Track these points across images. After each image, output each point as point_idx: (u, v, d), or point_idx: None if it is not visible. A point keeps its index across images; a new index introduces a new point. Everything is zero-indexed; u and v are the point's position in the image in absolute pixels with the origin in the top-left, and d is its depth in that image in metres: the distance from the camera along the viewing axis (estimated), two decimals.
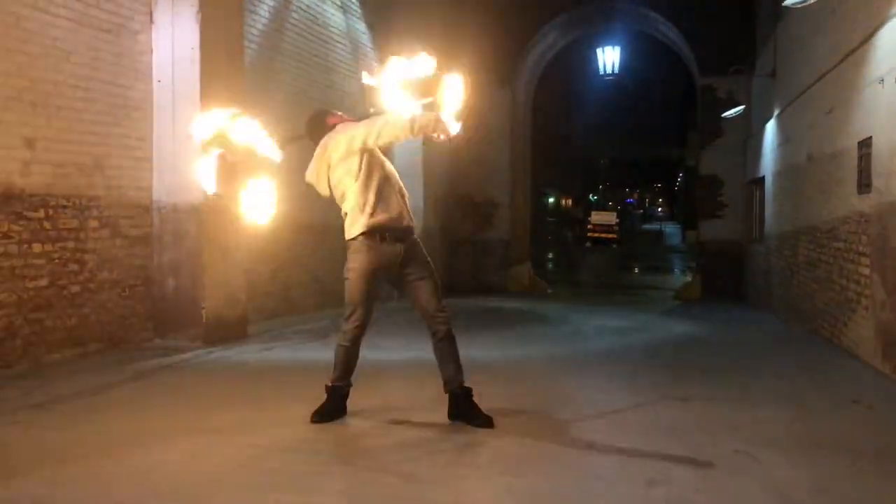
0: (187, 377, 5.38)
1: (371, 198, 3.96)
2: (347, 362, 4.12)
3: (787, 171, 9.56)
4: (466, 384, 4.09)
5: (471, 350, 6.76)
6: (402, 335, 7.60)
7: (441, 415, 4.08)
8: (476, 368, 5.76)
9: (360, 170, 3.97)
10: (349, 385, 4.17)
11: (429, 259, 4.16)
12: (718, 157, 13.09)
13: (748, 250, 12.57)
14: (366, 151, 3.97)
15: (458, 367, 4.09)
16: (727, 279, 12.81)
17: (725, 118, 12.22)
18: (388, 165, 4.10)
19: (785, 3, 6.56)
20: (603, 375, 5.70)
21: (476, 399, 4.08)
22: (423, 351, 6.51)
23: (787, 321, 9.15)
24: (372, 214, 3.95)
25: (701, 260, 13.55)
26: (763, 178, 11.31)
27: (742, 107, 11.68)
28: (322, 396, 4.12)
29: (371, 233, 3.95)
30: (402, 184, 4.15)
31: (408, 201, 4.14)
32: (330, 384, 4.13)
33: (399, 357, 6.27)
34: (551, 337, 7.91)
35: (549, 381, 5.39)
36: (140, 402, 4.58)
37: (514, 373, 5.77)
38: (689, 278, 17.46)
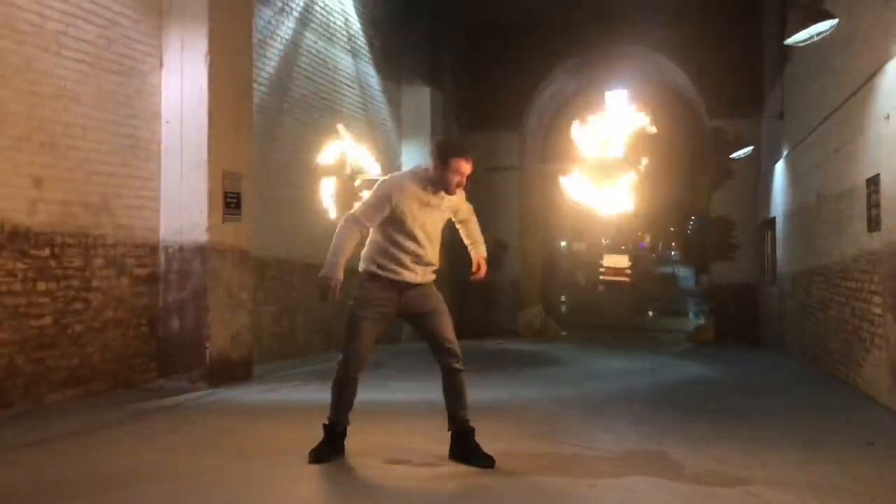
0: (185, 418, 5.30)
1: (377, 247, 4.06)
2: (341, 399, 4.01)
3: (797, 211, 9.48)
4: (471, 424, 3.99)
5: (478, 390, 6.64)
6: (410, 376, 7.51)
7: (443, 455, 3.97)
8: (482, 408, 5.66)
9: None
10: (345, 424, 4.06)
11: (439, 294, 4.11)
12: (729, 199, 13.04)
13: (761, 292, 12.41)
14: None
15: (464, 405, 4.00)
16: (740, 321, 12.63)
17: (735, 160, 12.20)
18: (420, 217, 4.05)
19: (787, 42, 6.57)
20: (611, 416, 5.57)
21: (479, 439, 3.98)
22: (429, 392, 6.44)
23: (801, 362, 8.97)
24: (380, 266, 4.01)
25: (713, 302, 13.40)
26: (774, 218, 11.23)
27: (751, 147, 11.67)
28: (321, 435, 4.04)
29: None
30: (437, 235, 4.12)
31: (434, 257, 4.08)
32: (326, 422, 4.05)
33: (405, 398, 6.17)
34: (560, 378, 7.79)
35: (554, 422, 5.27)
36: (135, 442, 4.50)
37: (520, 413, 5.65)
38: (702, 321, 17.28)
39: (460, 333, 12.08)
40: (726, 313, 12.89)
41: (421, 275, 3.98)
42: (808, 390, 7.08)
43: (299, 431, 4.48)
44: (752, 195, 12.72)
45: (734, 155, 11.81)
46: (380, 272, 3.93)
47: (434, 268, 4.07)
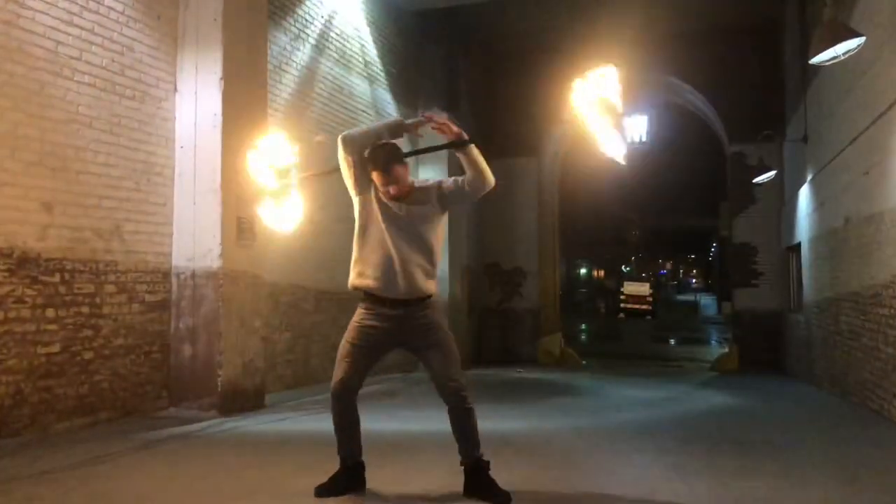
0: (194, 448, 5.15)
1: (357, 254, 3.77)
2: (339, 428, 3.78)
3: (823, 236, 9.23)
4: (486, 458, 3.78)
5: (495, 421, 6.46)
6: (423, 406, 7.30)
7: (458, 490, 3.78)
8: (499, 441, 5.46)
9: (356, 217, 3.80)
10: (353, 456, 3.84)
11: (443, 326, 3.80)
12: (751, 225, 12.80)
13: (786, 319, 12.10)
14: (355, 193, 3.81)
15: (473, 442, 3.76)
16: (765, 349, 12.32)
17: (757, 185, 11.99)
18: (386, 220, 3.71)
19: (812, 61, 6.41)
20: (632, 449, 5.33)
21: (495, 473, 3.77)
22: (444, 423, 6.26)
23: (830, 392, 8.65)
24: (359, 274, 3.74)
25: (737, 330, 13.09)
26: (799, 244, 10.97)
27: (773, 172, 11.46)
28: (333, 468, 3.85)
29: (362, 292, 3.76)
30: (432, 242, 3.76)
31: (427, 261, 3.72)
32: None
33: (419, 428, 5.97)
34: (580, 408, 7.54)
35: (574, 455, 5.05)
36: (141, 473, 4.35)
37: (538, 446, 5.43)
38: (725, 350, 16.90)
39: (479, 361, 11.95)
40: (750, 342, 12.57)
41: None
42: (839, 422, 6.79)
43: (309, 467, 4.30)
44: (776, 220, 12.47)
45: (756, 180, 11.60)
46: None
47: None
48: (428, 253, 3.74)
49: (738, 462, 4.81)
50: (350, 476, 3.84)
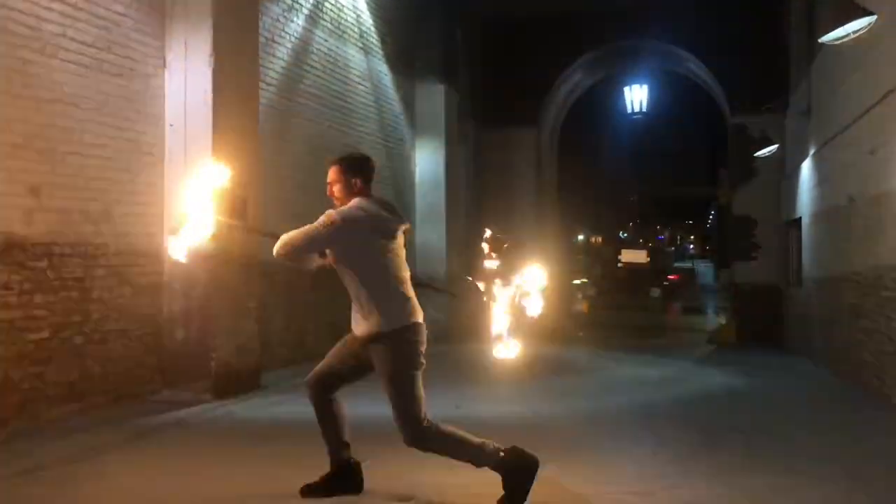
0: (187, 438, 5.08)
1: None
2: (318, 415, 3.69)
3: (825, 212, 9.11)
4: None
5: (493, 405, 6.42)
6: (425, 388, 7.23)
7: (456, 485, 3.69)
8: (494, 428, 5.39)
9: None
10: (340, 453, 3.70)
11: (393, 365, 3.49)
12: (751, 197, 12.66)
13: (785, 293, 12.04)
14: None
15: (470, 461, 3.57)
16: (763, 322, 12.28)
17: (758, 158, 11.82)
18: (349, 267, 3.59)
19: (821, 40, 6.21)
20: (633, 438, 5.27)
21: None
22: (438, 408, 6.18)
23: (829, 371, 8.62)
24: None
25: (735, 302, 13.05)
26: (799, 219, 10.86)
27: (775, 146, 11.29)
28: (325, 461, 3.73)
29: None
30: (357, 285, 3.57)
31: (370, 297, 3.52)
32: None
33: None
34: (577, 390, 7.49)
35: (573, 445, 4.97)
36: (133, 469, 4.28)
37: (533, 432, 5.29)
38: (722, 320, 16.88)
39: (477, 334, 11.71)
40: (748, 314, 12.54)
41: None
42: (841, 406, 6.75)
43: (301, 460, 4.22)
44: (776, 194, 12.33)
45: (758, 154, 11.43)
46: None
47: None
48: (357, 293, 3.56)
49: (740, 456, 4.74)
50: (340, 477, 3.73)
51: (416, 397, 3.50)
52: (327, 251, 3.61)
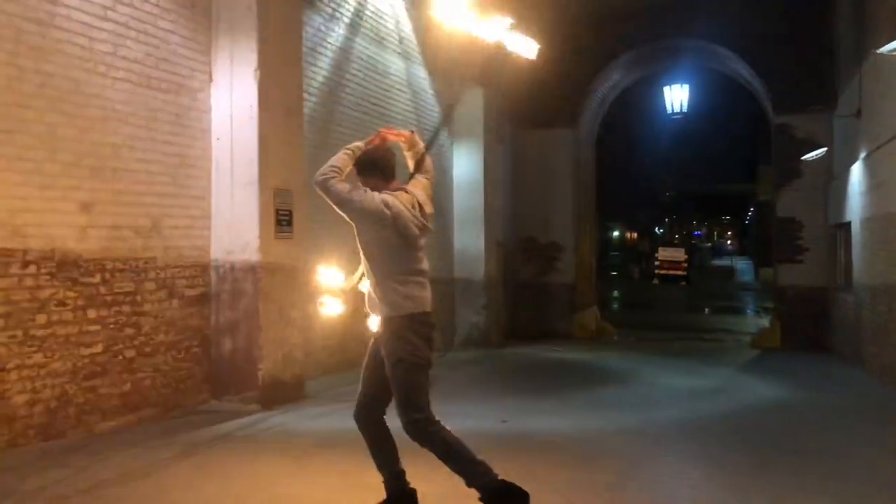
0: (241, 453, 5.10)
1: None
2: (369, 446, 3.73)
3: (878, 218, 8.87)
4: (525, 466, 3.63)
5: (532, 418, 6.37)
6: (462, 397, 7.22)
7: None
8: (537, 446, 5.38)
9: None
10: (395, 481, 3.70)
11: (394, 350, 3.56)
12: (797, 199, 12.38)
13: (833, 298, 11.77)
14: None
15: (463, 473, 3.55)
16: (809, 327, 12.01)
17: (804, 160, 11.55)
18: (363, 246, 3.68)
19: (878, 51, 6.03)
20: (682, 457, 5.19)
21: (535, 487, 3.58)
22: (482, 419, 6.16)
23: (882, 382, 8.39)
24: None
25: (780, 306, 12.78)
26: (849, 223, 10.58)
27: (824, 149, 11.02)
28: (377, 479, 3.75)
29: None
30: (367, 264, 3.68)
31: (377, 286, 3.63)
32: None
33: (465, 427, 5.73)
34: (620, 402, 7.39)
35: (621, 466, 4.90)
36: (192, 488, 4.33)
37: (580, 452, 5.27)
38: (763, 321, 16.60)
39: (515, 336, 11.75)
40: (793, 318, 12.27)
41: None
42: None
43: (354, 478, 4.23)
44: (823, 196, 12.05)
45: (805, 157, 11.16)
46: None
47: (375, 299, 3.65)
48: (369, 276, 3.68)
49: (797, 477, 4.63)
50: (396, 494, 3.72)
51: (416, 388, 3.55)
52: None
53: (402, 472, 3.74)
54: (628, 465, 4.94)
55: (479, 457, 3.56)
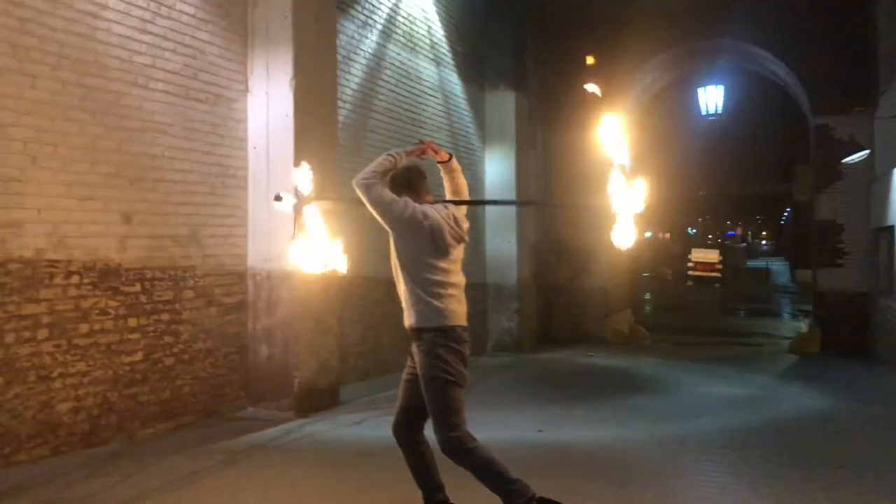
0: (276, 464, 5.12)
1: None
2: (407, 460, 3.73)
3: None
4: (564, 480, 3.58)
5: (574, 428, 6.31)
6: (497, 404, 7.19)
7: None
8: (576, 458, 5.31)
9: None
10: (434, 496, 3.70)
11: (431, 378, 3.53)
12: (837, 201, 12.11)
13: (876, 303, 11.49)
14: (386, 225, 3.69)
15: (497, 491, 3.50)
16: (849, 332, 11.74)
17: (846, 162, 11.31)
18: (397, 253, 3.67)
19: None
20: (726, 472, 5.08)
21: (577, 502, 3.55)
22: (519, 429, 6.12)
23: None
24: None
25: (819, 311, 12.52)
26: (892, 227, 10.33)
27: (866, 152, 10.76)
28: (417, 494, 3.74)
29: None
30: (399, 272, 3.67)
31: (408, 294, 3.62)
32: None
33: (501, 437, 5.68)
34: (658, 410, 7.28)
35: (661, 479, 4.83)
36: (227, 500, 4.37)
37: (620, 464, 5.20)
38: (801, 325, 16.27)
39: (547, 340, 11.60)
40: (833, 323, 12.01)
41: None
42: None
43: (396, 492, 4.22)
44: (865, 199, 11.78)
45: (846, 160, 10.92)
46: None
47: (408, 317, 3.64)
48: (403, 288, 3.66)
49: (845, 494, 4.50)
50: None
51: (450, 406, 3.50)
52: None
53: (442, 487, 3.73)
54: (670, 479, 4.87)
55: (515, 475, 3.51)
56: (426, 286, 3.58)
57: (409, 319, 3.62)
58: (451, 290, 3.63)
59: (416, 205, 3.64)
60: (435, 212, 3.65)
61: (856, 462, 5.38)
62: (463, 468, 3.53)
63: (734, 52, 13.73)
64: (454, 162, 3.93)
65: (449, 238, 3.63)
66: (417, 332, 3.58)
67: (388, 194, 3.62)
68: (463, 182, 3.95)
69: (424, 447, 3.71)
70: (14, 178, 4.83)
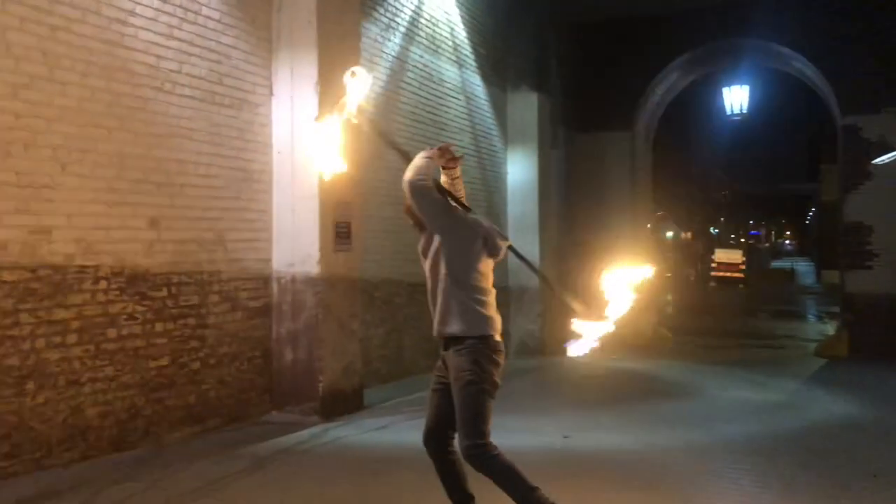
0: (302, 470, 5.12)
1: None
2: (438, 470, 3.70)
3: None
4: (589, 488, 3.56)
5: (594, 434, 6.26)
6: (522, 409, 7.15)
7: None
8: (601, 465, 5.27)
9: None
10: (461, 498, 3.68)
11: (466, 373, 3.50)
12: (865, 203, 11.92)
13: None
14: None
15: (515, 499, 3.48)
16: (879, 336, 11.54)
17: (876, 165, 11.13)
18: (445, 259, 3.58)
19: None
20: (752, 479, 5.01)
21: None
22: (547, 436, 6.08)
23: None
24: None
25: (847, 314, 12.33)
26: None
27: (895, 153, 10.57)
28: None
29: None
30: (444, 278, 3.58)
31: (450, 300, 3.56)
32: None
33: (527, 443, 5.61)
34: (683, 416, 7.19)
35: (688, 487, 4.76)
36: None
37: (646, 472, 5.14)
38: (827, 327, 16.04)
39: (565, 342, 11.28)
40: (862, 326, 11.81)
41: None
42: None
43: (424, 499, 4.20)
44: (893, 198, 11.57)
45: (877, 161, 10.74)
46: None
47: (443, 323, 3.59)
48: (444, 291, 3.60)
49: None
50: None
51: (482, 413, 3.49)
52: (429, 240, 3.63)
53: (472, 497, 3.71)
54: (697, 487, 4.80)
55: (535, 483, 3.48)
56: (474, 293, 3.56)
57: (452, 327, 3.54)
58: (491, 299, 3.65)
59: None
60: (481, 219, 3.71)
61: (887, 470, 5.29)
62: (483, 475, 3.52)
63: (759, 51, 13.57)
64: (458, 169, 3.89)
65: (499, 245, 3.66)
66: (458, 339, 3.54)
67: (443, 198, 3.63)
68: (463, 189, 3.89)
69: (455, 457, 3.68)
70: (44, 185, 4.87)
